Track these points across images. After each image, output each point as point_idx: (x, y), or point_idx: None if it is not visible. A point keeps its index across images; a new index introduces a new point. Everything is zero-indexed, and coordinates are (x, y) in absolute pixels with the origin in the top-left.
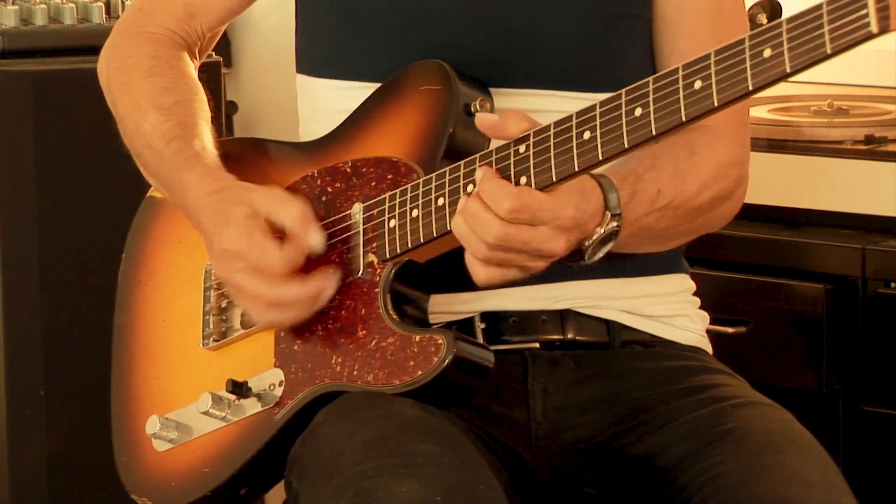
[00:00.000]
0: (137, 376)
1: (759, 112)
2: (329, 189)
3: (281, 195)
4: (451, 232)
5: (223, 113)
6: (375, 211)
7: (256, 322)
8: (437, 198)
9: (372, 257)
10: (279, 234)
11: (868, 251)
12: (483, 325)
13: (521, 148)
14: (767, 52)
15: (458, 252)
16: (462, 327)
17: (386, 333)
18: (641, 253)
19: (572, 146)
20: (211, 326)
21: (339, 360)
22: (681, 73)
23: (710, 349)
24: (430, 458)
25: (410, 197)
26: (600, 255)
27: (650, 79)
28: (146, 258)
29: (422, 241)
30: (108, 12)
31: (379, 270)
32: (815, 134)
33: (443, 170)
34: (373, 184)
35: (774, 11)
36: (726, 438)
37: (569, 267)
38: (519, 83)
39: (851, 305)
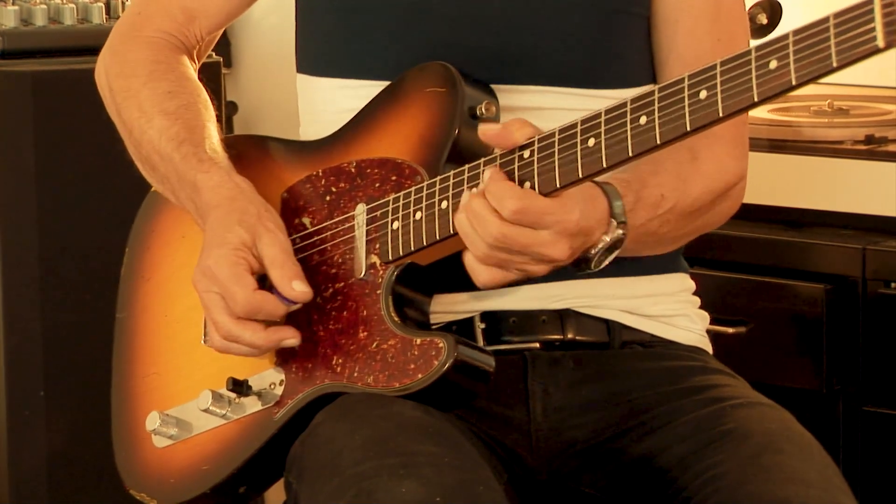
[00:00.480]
0: (138, 371)
1: (759, 112)
2: (333, 189)
3: (286, 250)
4: (453, 235)
5: (223, 113)
6: (379, 212)
7: (211, 342)
8: (440, 201)
9: (374, 259)
10: (264, 273)
11: (868, 251)
12: (483, 326)
13: (526, 153)
14: (773, 64)
15: (457, 255)
16: (462, 327)
17: (387, 335)
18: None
19: (577, 153)
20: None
21: (340, 361)
22: (686, 83)
23: (710, 349)
24: (429, 458)
25: (414, 199)
26: (606, 262)
27: (655, 87)
28: (149, 253)
29: (424, 243)
30: (108, 13)
31: (381, 272)
32: (815, 134)
33: (447, 173)
34: (377, 185)
35: (774, 12)
36: (726, 439)
37: (575, 273)
38: (519, 80)
39: (851, 305)
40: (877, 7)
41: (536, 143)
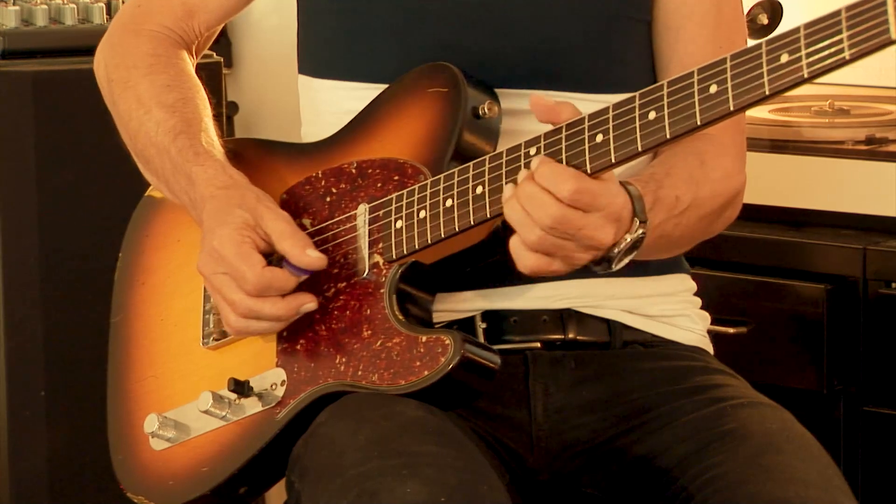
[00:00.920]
0: (135, 375)
1: (759, 112)
2: (334, 190)
3: (292, 230)
4: (458, 233)
5: (224, 114)
6: (381, 212)
7: (226, 327)
8: (444, 199)
9: (377, 258)
10: (270, 251)
11: (869, 251)
12: (484, 325)
13: (532, 150)
14: (785, 57)
15: (461, 253)
16: (463, 326)
17: (391, 334)
18: None
19: (584, 149)
20: (211, 325)
21: (344, 359)
22: (696, 77)
23: (710, 349)
24: (432, 458)
25: (418, 198)
26: (626, 261)
27: (664, 82)
28: (144, 257)
29: (429, 242)
30: (108, 13)
31: (385, 271)
32: (815, 134)
33: (451, 171)
34: (379, 185)
35: (775, 12)
36: (726, 439)
37: (578, 273)
38: (519, 84)
39: (852, 306)
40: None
41: (543, 139)
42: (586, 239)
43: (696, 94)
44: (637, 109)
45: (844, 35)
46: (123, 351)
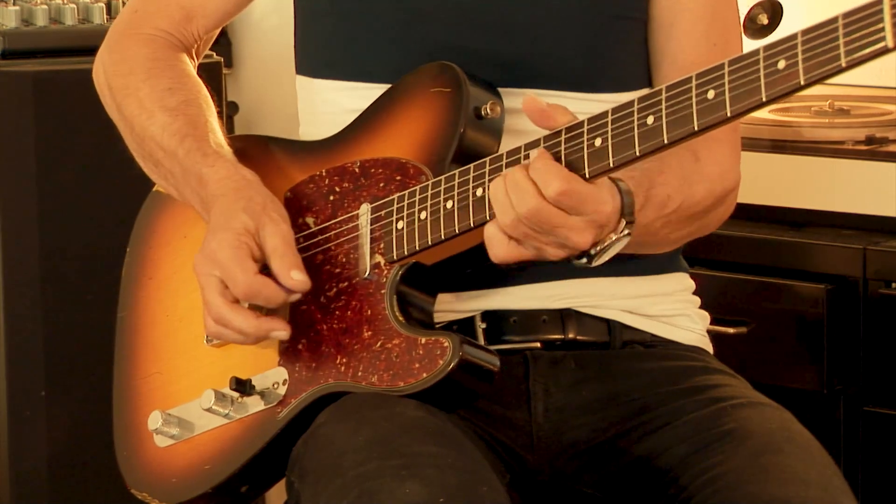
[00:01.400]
0: (140, 371)
1: (759, 112)
2: (337, 189)
3: (289, 242)
4: (459, 234)
5: (224, 114)
6: (383, 212)
7: (206, 328)
8: (445, 200)
9: (379, 258)
10: (264, 263)
11: (869, 251)
12: (484, 325)
13: (532, 153)
14: (782, 64)
15: (462, 255)
16: (463, 326)
17: (391, 335)
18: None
19: (583, 154)
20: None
21: (344, 360)
22: (694, 83)
23: (710, 349)
24: (432, 459)
25: (419, 199)
26: (605, 258)
27: (662, 87)
28: (151, 253)
29: (430, 243)
30: (108, 13)
31: (385, 272)
32: (815, 134)
33: (452, 172)
34: (381, 184)
35: (775, 12)
36: (726, 439)
37: (576, 272)
38: (517, 83)
39: (852, 306)
40: (886, 7)
41: (543, 142)
42: (562, 238)
43: (693, 99)
44: (636, 114)
45: (841, 42)
46: (129, 347)
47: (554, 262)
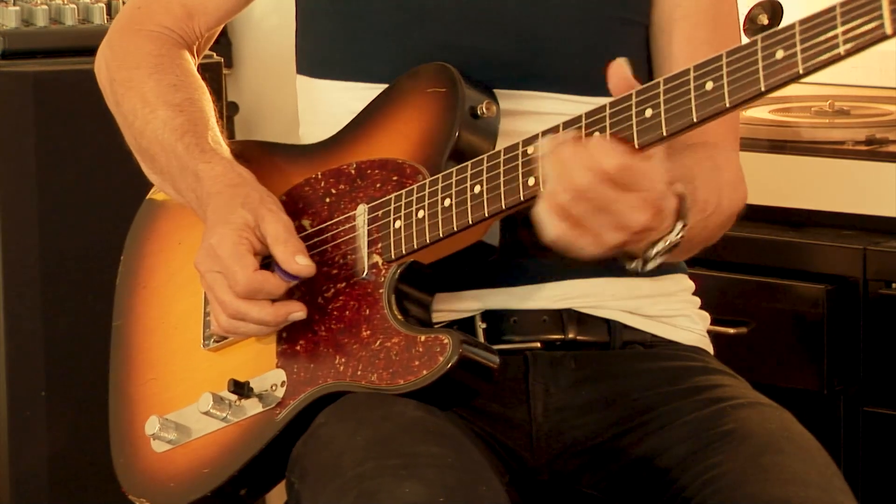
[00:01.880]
0: (136, 377)
1: (760, 113)
2: (333, 191)
3: (290, 230)
4: (457, 232)
5: (224, 114)
6: (380, 212)
7: (215, 325)
8: (443, 199)
9: (376, 258)
10: (266, 254)
11: (869, 252)
12: (484, 325)
13: (530, 149)
14: (780, 54)
15: (460, 253)
16: (463, 326)
17: (390, 333)
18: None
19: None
20: (211, 327)
21: (343, 360)
22: (692, 74)
23: (710, 349)
24: (431, 459)
25: (416, 198)
26: (659, 262)
27: (661, 80)
28: (146, 260)
29: (428, 242)
30: (109, 13)
31: (384, 271)
32: (816, 135)
33: (449, 171)
34: (378, 185)
35: (775, 12)
36: (726, 439)
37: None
38: (518, 85)
39: (852, 306)
40: None
41: (541, 137)
42: (619, 215)
43: (692, 90)
44: (634, 107)
45: (839, 30)
46: (125, 354)
47: (552, 263)
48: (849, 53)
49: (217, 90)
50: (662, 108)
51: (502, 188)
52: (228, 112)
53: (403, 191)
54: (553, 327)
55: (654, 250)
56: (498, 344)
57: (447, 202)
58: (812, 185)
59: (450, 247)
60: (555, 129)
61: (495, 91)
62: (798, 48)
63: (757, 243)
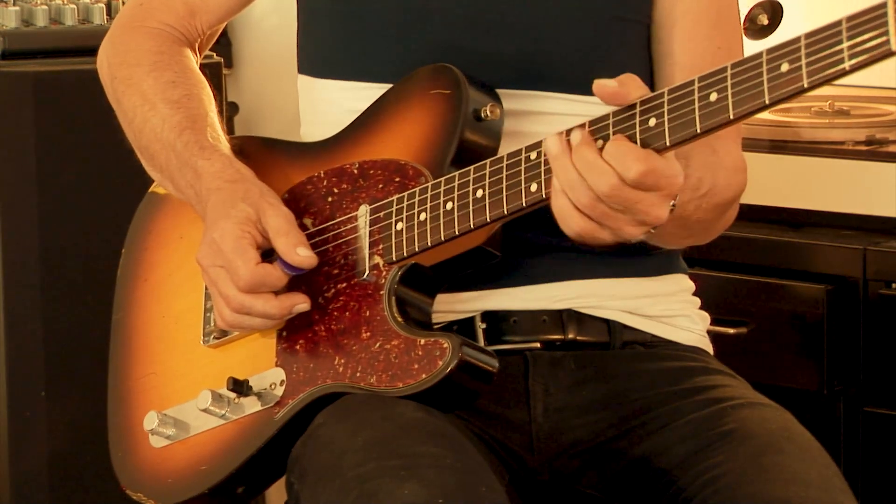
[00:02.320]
0: (135, 372)
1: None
2: (335, 190)
3: (290, 221)
4: (459, 235)
5: (224, 114)
6: (382, 213)
7: (218, 320)
8: (445, 201)
9: (377, 259)
10: (268, 248)
11: (869, 252)
12: (484, 325)
13: (533, 155)
14: (785, 67)
15: (461, 256)
16: (463, 327)
17: (390, 336)
18: (640, 253)
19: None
20: (212, 324)
21: (342, 360)
22: (696, 85)
23: (710, 350)
24: (431, 459)
25: (419, 200)
26: (651, 232)
27: (665, 90)
28: (147, 254)
29: (429, 244)
30: (109, 13)
31: (384, 273)
32: (815, 135)
33: (452, 174)
34: (380, 186)
35: (775, 12)
36: (726, 439)
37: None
38: (519, 85)
39: (852, 306)
40: (890, 10)
41: (545, 144)
42: (641, 213)
43: (696, 101)
44: (637, 116)
45: (845, 45)
46: (124, 348)
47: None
48: (854, 69)
49: (217, 90)
50: (666, 117)
51: (505, 193)
52: (228, 112)
53: (406, 192)
54: (553, 327)
55: None
56: (498, 344)
57: (449, 205)
58: (812, 185)
59: (451, 250)
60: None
61: (498, 91)
62: (803, 62)
63: (757, 243)
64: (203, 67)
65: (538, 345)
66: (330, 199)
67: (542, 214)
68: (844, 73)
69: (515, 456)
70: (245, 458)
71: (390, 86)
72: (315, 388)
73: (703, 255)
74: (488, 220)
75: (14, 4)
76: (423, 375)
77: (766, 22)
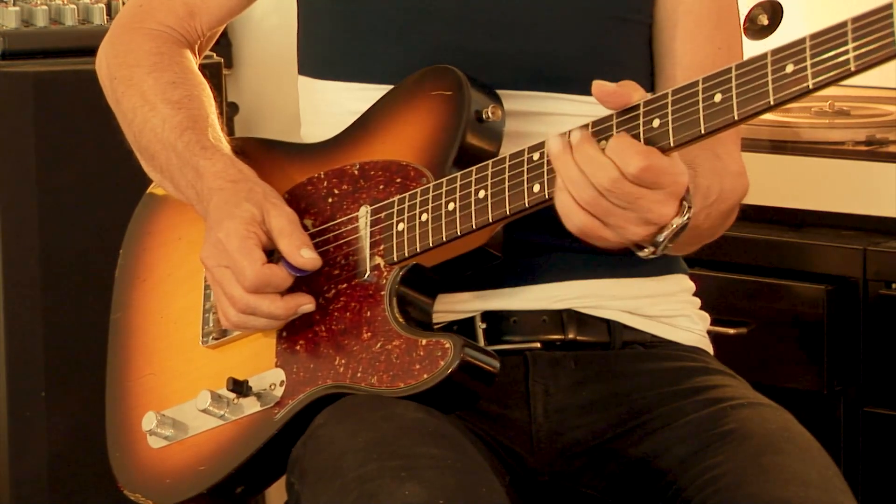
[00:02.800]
0: (133, 372)
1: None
2: (336, 191)
3: (293, 221)
4: (460, 236)
5: (224, 114)
6: (383, 214)
7: (223, 321)
8: (447, 202)
9: (378, 260)
10: (272, 248)
11: (869, 252)
12: (484, 326)
13: (535, 156)
14: (790, 68)
15: (463, 257)
16: (463, 327)
17: (391, 336)
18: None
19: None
20: (211, 324)
21: (343, 361)
22: (701, 86)
23: (710, 350)
24: (431, 460)
25: (420, 201)
26: (669, 247)
27: (669, 91)
28: (145, 255)
29: (431, 245)
30: (109, 13)
31: (385, 273)
32: (816, 135)
33: (453, 175)
34: (381, 187)
35: (775, 12)
36: (726, 439)
37: (577, 274)
38: (519, 85)
39: (852, 306)
40: None
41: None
42: (645, 211)
43: (700, 102)
44: (641, 117)
45: (850, 46)
46: (123, 348)
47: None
48: (859, 70)
49: (217, 90)
50: (670, 118)
51: (507, 194)
52: (228, 112)
53: (407, 193)
54: (553, 328)
55: (662, 235)
56: (497, 344)
57: (451, 206)
58: (812, 185)
59: (452, 251)
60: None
61: (499, 91)
62: (808, 63)
63: (757, 243)
64: (203, 68)
65: (538, 345)
66: (330, 199)
67: (542, 215)
68: (850, 75)
69: (515, 456)
70: (244, 458)
71: (391, 87)
72: (315, 389)
73: (703, 255)
74: (490, 220)
75: (14, 4)
76: (425, 376)
77: (766, 22)
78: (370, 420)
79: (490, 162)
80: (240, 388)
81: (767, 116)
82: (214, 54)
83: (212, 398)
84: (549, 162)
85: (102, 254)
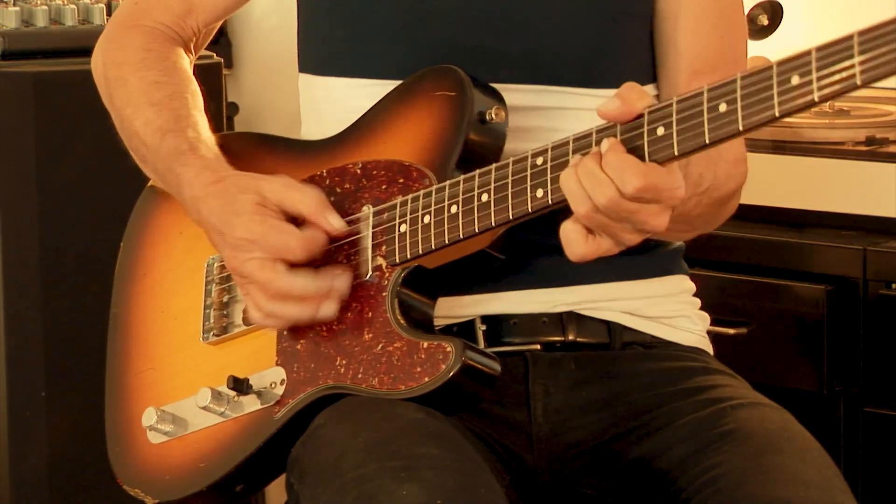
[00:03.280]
0: (133, 367)
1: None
2: (338, 189)
3: (291, 183)
4: (463, 239)
5: (224, 114)
6: (386, 215)
7: (253, 315)
8: (450, 205)
9: (380, 261)
10: (293, 221)
11: (869, 252)
12: (484, 328)
13: (539, 160)
14: (796, 80)
15: (465, 259)
16: (463, 329)
17: (393, 338)
18: (640, 252)
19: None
20: (212, 321)
21: (344, 361)
22: (706, 95)
23: (710, 350)
24: (431, 461)
25: (423, 203)
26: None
27: (673, 99)
28: (146, 249)
29: (433, 248)
30: (108, 14)
31: (387, 274)
32: (815, 135)
33: (457, 178)
34: (383, 187)
35: (775, 13)
36: (726, 439)
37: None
38: (520, 80)
39: (852, 306)
40: None
41: (550, 150)
42: (640, 223)
43: (705, 112)
44: (646, 125)
45: (856, 60)
46: (123, 342)
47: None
48: (865, 84)
49: (217, 90)
50: (675, 127)
51: (510, 198)
52: (228, 112)
53: (410, 195)
54: (553, 329)
55: None
56: (497, 346)
57: (454, 209)
58: (812, 185)
59: (454, 253)
60: (564, 142)
61: (499, 86)
62: (814, 75)
63: (757, 243)
64: (202, 68)
65: (538, 346)
66: (332, 198)
67: (542, 217)
68: (856, 88)
69: (515, 457)
70: (244, 456)
71: (394, 83)
72: (315, 389)
73: (703, 255)
74: (493, 224)
75: (14, 4)
76: (426, 379)
77: (766, 22)
78: (370, 420)
79: (493, 166)
80: (240, 385)
81: None
82: (214, 54)
83: (212, 395)
84: (552, 168)
85: (102, 253)
